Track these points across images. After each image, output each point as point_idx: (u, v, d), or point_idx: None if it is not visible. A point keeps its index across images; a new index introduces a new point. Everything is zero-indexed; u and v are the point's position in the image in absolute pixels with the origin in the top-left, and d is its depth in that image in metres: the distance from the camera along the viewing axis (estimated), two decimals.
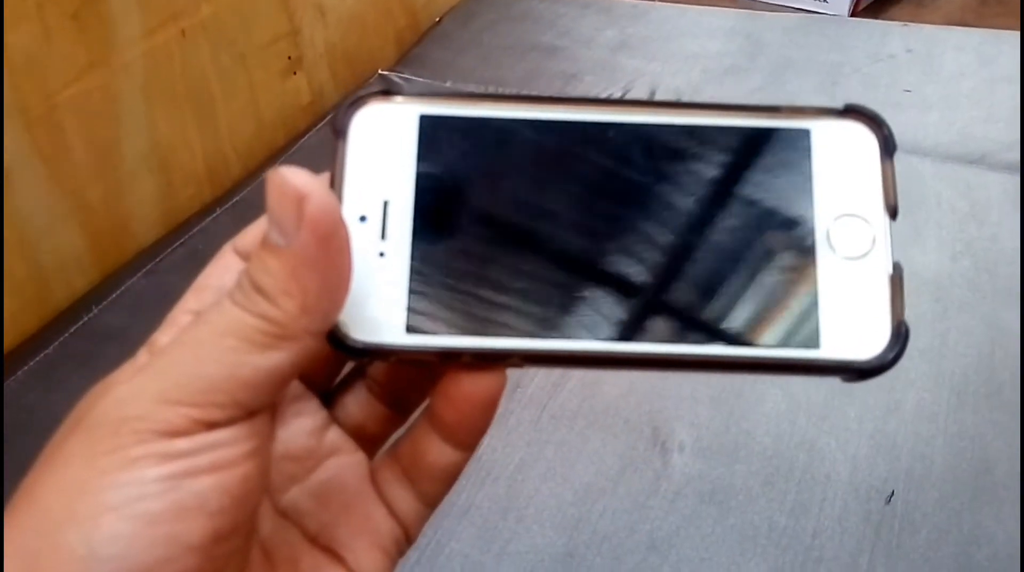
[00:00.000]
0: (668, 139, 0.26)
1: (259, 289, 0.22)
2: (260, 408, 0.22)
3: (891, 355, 0.24)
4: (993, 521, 0.58)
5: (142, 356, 0.24)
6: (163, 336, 0.25)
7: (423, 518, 0.28)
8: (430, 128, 0.25)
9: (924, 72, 1.10)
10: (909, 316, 0.77)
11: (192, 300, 0.25)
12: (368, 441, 0.29)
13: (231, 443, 0.22)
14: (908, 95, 1.06)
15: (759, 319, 0.25)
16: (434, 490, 0.28)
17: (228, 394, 0.21)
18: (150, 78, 0.82)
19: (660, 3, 1.30)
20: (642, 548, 0.58)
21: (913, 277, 0.78)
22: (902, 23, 1.23)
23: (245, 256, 0.26)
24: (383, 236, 0.25)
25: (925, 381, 0.69)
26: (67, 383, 0.70)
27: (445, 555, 0.58)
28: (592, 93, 1.10)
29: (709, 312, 0.25)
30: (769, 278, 0.25)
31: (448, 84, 1.12)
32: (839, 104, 0.26)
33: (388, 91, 0.26)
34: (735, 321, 0.25)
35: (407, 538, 0.28)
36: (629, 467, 0.63)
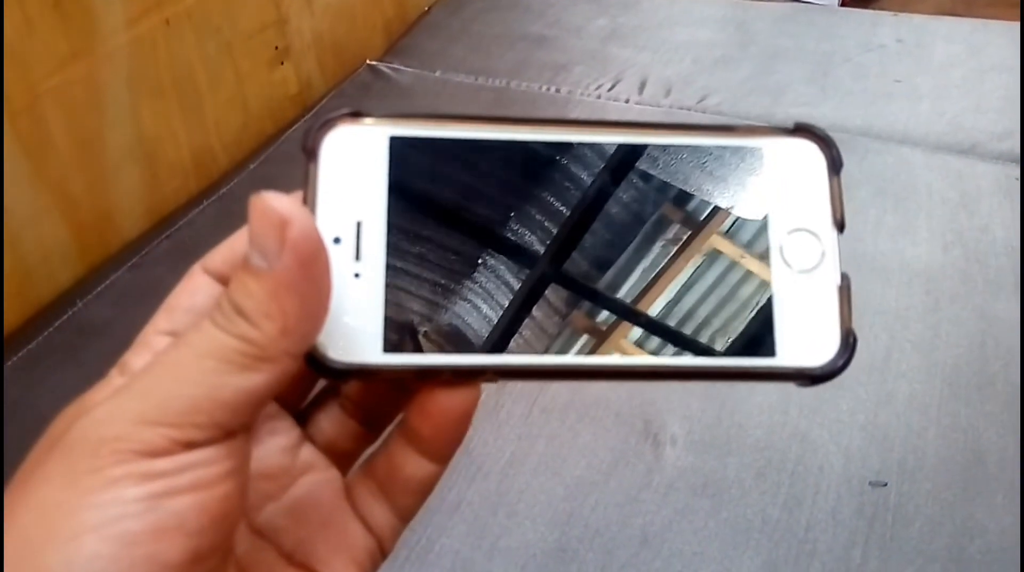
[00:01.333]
0: (631, 158, 0.27)
1: (240, 311, 0.22)
2: (239, 428, 0.23)
3: (840, 362, 0.25)
4: (985, 513, 0.58)
5: (115, 377, 0.24)
6: (135, 357, 0.25)
7: (397, 532, 0.28)
8: (400, 149, 0.26)
9: (914, 62, 1.10)
10: (901, 306, 0.76)
11: (163, 321, 0.25)
12: (341, 458, 0.29)
13: (210, 463, 0.22)
14: (898, 85, 1.06)
15: (720, 330, 0.26)
16: (409, 503, 0.28)
17: (208, 415, 0.22)
18: (134, 68, 0.81)
19: None
20: (635, 542, 0.58)
21: (904, 268, 0.78)
22: (892, 13, 1.23)
23: (214, 275, 0.26)
24: (357, 257, 0.25)
25: (917, 372, 0.69)
26: (51, 377, 0.70)
27: (436, 551, 0.57)
28: (582, 83, 1.09)
29: (674, 325, 0.27)
30: (728, 291, 0.26)
31: (437, 74, 1.12)
32: (790, 123, 0.27)
33: (358, 113, 0.26)
34: (698, 333, 0.26)
35: (382, 552, 0.28)
36: (621, 460, 0.63)
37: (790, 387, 0.70)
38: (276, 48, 1.00)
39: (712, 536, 0.58)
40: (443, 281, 0.26)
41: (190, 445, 0.21)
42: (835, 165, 0.26)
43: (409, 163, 0.26)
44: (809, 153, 0.26)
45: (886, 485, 0.60)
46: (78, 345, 0.73)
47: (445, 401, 0.25)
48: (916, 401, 0.67)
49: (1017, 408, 0.65)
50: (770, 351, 0.25)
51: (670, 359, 0.26)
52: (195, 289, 0.26)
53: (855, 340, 0.25)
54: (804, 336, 0.25)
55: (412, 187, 0.26)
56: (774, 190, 0.26)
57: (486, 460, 0.63)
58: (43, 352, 0.73)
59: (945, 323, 0.73)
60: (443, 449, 0.27)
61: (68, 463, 0.21)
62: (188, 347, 0.22)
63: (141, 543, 0.20)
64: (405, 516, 0.28)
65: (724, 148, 0.27)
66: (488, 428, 0.65)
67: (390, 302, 0.25)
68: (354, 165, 0.25)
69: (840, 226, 0.26)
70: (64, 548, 0.20)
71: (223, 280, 0.26)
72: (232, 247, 0.26)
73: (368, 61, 1.14)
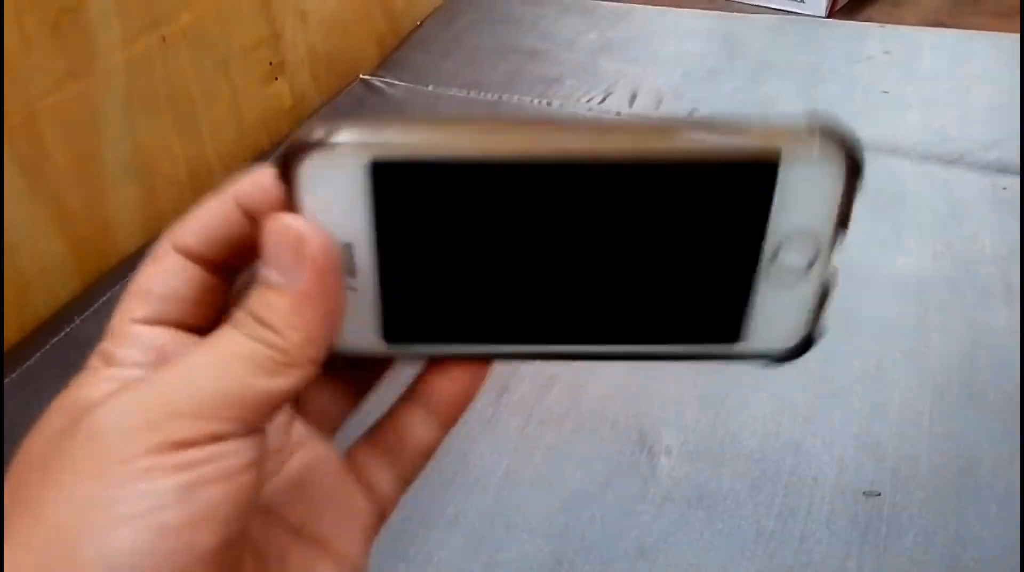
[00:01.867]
0: (629, 157, 0.26)
1: (263, 322, 0.23)
2: (260, 427, 0.23)
3: (802, 350, 0.27)
4: (979, 522, 0.59)
5: (101, 368, 0.25)
6: (122, 350, 0.25)
7: (399, 496, 0.30)
8: (381, 171, 0.25)
9: (901, 73, 1.11)
10: (892, 316, 0.77)
11: (139, 308, 0.26)
12: (328, 426, 0.30)
13: (235, 453, 0.22)
14: (886, 96, 1.07)
15: (702, 316, 0.27)
16: (413, 466, 0.30)
17: (236, 410, 0.22)
18: (131, 85, 0.81)
19: (640, 5, 1.30)
20: (631, 555, 0.58)
21: (895, 279, 0.79)
22: (879, 24, 1.24)
23: (187, 254, 0.26)
24: (351, 274, 0.26)
25: (908, 382, 0.69)
26: (49, 395, 0.69)
27: (434, 565, 0.58)
28: (574, 96, 1.10)
29: (662, 311, 0.27)
30: (723, 283, 0.26)
31: (430, 88, 1.12)
32: (807, 110, 0.27)
33: (330, 134, 0.24)
34: (684, 318, 0.27)
35: (382, 516, 0.30)
36: (617, 472, 0.63)
37: (784, 397, 0.70)
38: (270, 63, 1.00)
39: (708, 548, 0.58)
40: (436, 292, 0.27)
41: (217, 437, 0.22)
42: (854, 169, 0.25)
43: (391, 184, 0.25)
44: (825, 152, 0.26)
45: (880, 495, 0.61)
46: (76, 362, 0.72)
47: (455, 369, 0.28)
48: (908, 410, 0.67)
49: (1009, 416, 0.66)
50: (737, 336, 0.27)
51: (653, 347, 0.27)
52: (169, 271, 0.26)
53: (822, 334, 0.27)
54: (776, 324, 0.27)
55: (397, 208, 0.25)
56: (777, 185, 0.25)
57: (483, 473, 0.64)
58: (41, 369, 0.73)
59: (935, 332, 0.74)
60: (452, 411, 0.29)
61: (96, 454, 0.21)
62: (215, 350, 0.23)
63: (176, 533, 0.21)
64: (407, 479, 0.30)
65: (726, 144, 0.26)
66: (485, 441, 0.66)
67: (386, 309, 0.26)
68: (335, 190, 0.25)
69: (843, 224, 0.25)
70: (99, 541, 0.20)
71: (197, 259, 0.26)
72: (204, 223, 0.26)
73: (361, 75, 1.15)
